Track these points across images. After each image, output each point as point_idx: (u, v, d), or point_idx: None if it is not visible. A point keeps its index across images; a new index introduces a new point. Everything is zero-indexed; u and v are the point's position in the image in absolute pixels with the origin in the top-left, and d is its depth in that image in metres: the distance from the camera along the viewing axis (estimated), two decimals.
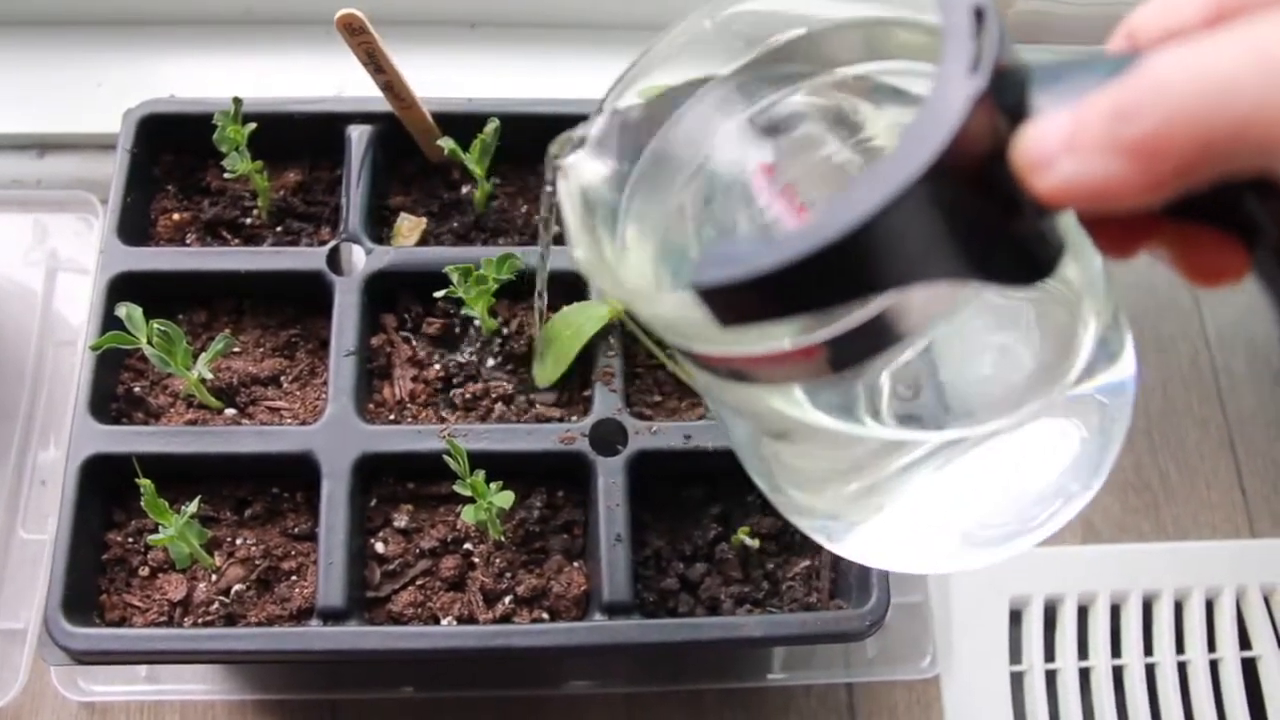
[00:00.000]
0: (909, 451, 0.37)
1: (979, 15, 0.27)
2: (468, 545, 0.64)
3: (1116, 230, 0.30)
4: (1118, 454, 0.39)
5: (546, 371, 0.66)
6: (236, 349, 0.68)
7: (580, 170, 0.39)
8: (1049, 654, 0.75)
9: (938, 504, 0.39)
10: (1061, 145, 0.26)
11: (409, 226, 0.71)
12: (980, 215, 0.28)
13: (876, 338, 0.30)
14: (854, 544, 0.42)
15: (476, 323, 0.68)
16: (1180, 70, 0.25)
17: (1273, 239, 0.28)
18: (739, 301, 0.28)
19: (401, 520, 0.64)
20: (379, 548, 0.63)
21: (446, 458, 0.59)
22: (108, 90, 0.85)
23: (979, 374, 0.37)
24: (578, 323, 0.66)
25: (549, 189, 0.44)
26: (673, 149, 0.39)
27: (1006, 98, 0.27)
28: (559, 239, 0.69)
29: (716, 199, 0.39)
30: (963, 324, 0.35)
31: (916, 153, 0.26)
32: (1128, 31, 0.30)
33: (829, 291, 0.27)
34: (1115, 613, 0.76)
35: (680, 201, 0.39)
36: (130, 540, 0.63)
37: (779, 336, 0.31)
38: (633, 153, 0.39)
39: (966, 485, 0.38)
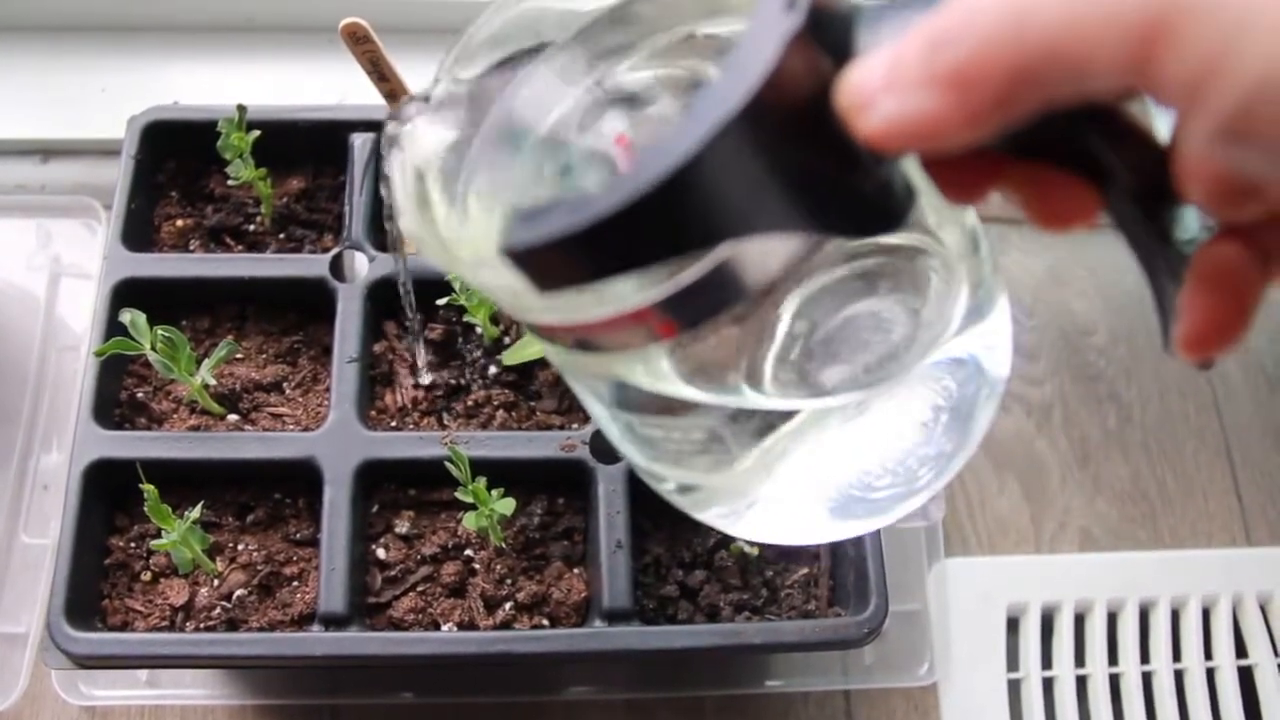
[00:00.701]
0: (789, 420, 0.36)
1: None
2: (469, 551, 0.64)
3: (957, 173, 0.28)
4: (994, 411, 0.38)
5: (516, 353, 0.66)
6: (239, 355, 0.68)
7: (418, 139, 0.37)
8: (1046, 662, 0.75)
9: (820, 471, 0.38)
10: (882, 83, 0.25)
11: None
12: (813, 163, 0.26)
13: (716, 295, 0.29)
14: (741, 522, 0.41)
15: (478, 330, 0.68)
16: None
17: (1124, 181, 0.27)
18: (553, 264, 0.27)
19: (403, 526, 0.64)
20: (380, 554, 0.63)
21: (448, 464, 0.59)
22: (111, 96, 0.85)
23: (855, 335, 0.36)
24: None
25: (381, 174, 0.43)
26: (517, 116, 0.38)
27: (830, 38, 0.26)
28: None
29: (573, 168, 0.38)
30: (832, 284, 0.34)
31: (727, 96, 0.24)
32: None
33: (648, 248, 0.26)
34: (1112, 621, 0.77)
35: (530, 169, 0.38)
36: (133, 545, 0.63)
37: (623, 298, 0.29)
38: (473, 121, 0.38)
39: (849, 450, 0.38)
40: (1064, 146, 0.27)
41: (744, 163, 0.25)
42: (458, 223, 0.37)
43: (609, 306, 0.30)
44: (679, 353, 0.34)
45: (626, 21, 0.37)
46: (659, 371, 0.34)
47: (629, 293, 0.29)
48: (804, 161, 0.26)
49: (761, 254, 0.28)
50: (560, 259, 0.26)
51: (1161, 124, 0.26)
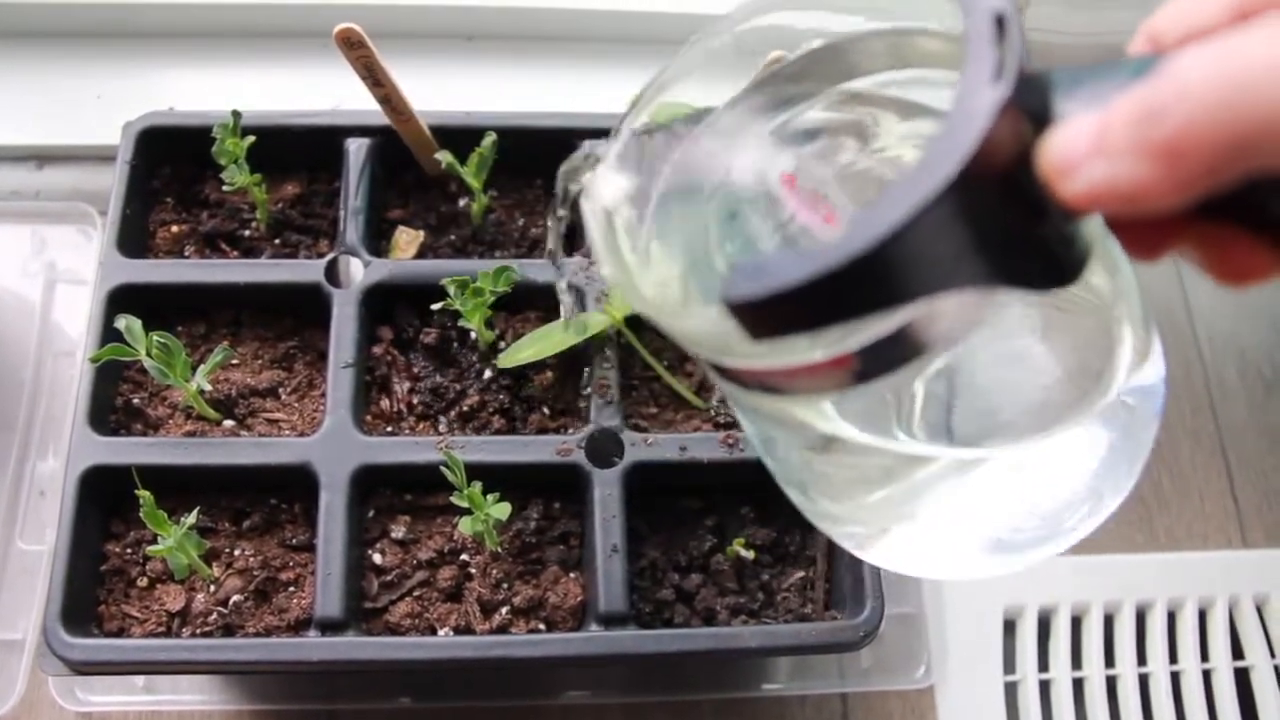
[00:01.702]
0: (939, 459, 0.37)
1: (1000, 22, 0.27)
2: (465, 556, 0.64)
3: (1144, 232, 0.30)
4: (1147, 457, 0.38)
5: (511, 356, 0.66)
6: (235, 361, 0.68)
7: (603, 187, 0.39)
8: (1043, 664, 0.75)
9: (967, 511, 0.39)
10: (1089, 149, 0.26)
11: (407, 239, 0.71)
12: (1006, 222, 0.28)
13: (905, 347, 0.30)
14: (883, 551, 0.42)
15: (473, 335, 0.68)
16: (1206, 68, 0.25)
17: None
18: (770, 315, 0.28)
19: (399, 531, 0.64)
20: (376, 559, 0.63)
21: (444, 469, 0.59)
22: (107, 102, 0.85)
23: (1011, 385, 0.37)
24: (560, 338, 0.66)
25: (561, 203, 0.44)
26: (696, 164, 0.39)
27: (1030, 103, 0.27)
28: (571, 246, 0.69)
29: (741, 212, 0.39)
30: (994, 333, 0.35)
31: (943, 162, 0.26)
32: (1149, 34, 0.30)
33: (860, 303, 0.28)
34: (1109, 623, 0.77)
35: (702, 215, 0.39)
36: (129, 551, 0.63)
37: (807, 349, 0.31)
38: (654, 169, 0.39)
39: (996, 491, 0.38)
40: (1247, 206, 0.28)
41: (950, 224, 0.27)
42: (641, 268, 0.38)
43: (799, 354, 0.31)
44: (842, 398, 0.35)
45: (807, 71, 0.38)
46: (821, 412, 0.36)
47: (810, 344, 0.31)
48: (1000, 220, 0.28)
49: (951, 308, 0.29)
50: (779, 311, 0.28)
51: None
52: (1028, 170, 0.27)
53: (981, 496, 0.38)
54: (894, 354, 0.31)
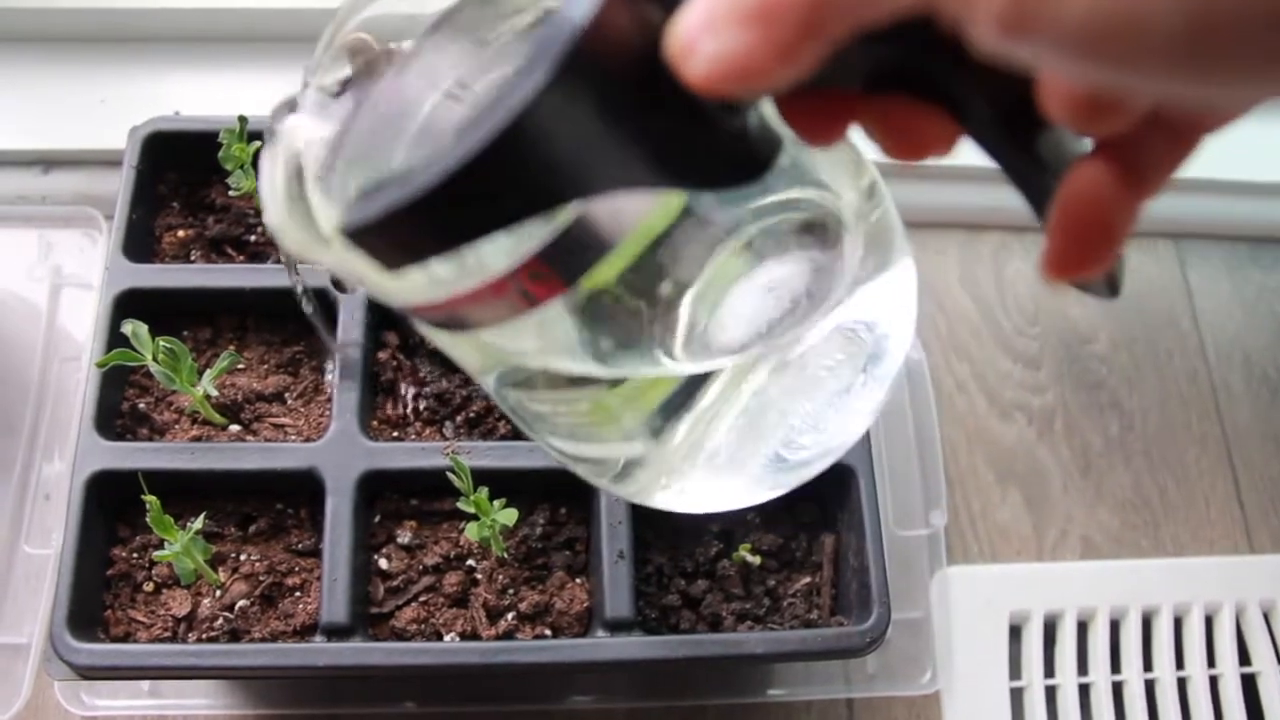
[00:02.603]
0: (706, 392, 0.36)
1: None
2: (471, 562, 0.64)
3: (808, 114, 0.28)
4: (900, 367, 0.39)
5: None
6: (241, 366, 0.68)
7: (297, 132, 0.36)
8: (1049, 670, 0.75)
9: (749, 438, 0.39)
10: (701, 25, 0.24)
11: None
12: (656, 117, 0.26)
13: (577, 256, 0.28)
14: (684, 496, 0.41)
15: None
16: None
17: (982, 108, 0.27)
18: (391, 241, 0.26)
19: (405, 537, 0.64)
20: (383, 564, 0.63)
21: (450, 475, 0.59)
22: (112, 107, 0.85)
23: (762, 293, 0.35)
24: None
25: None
26: (394, 103, 0.37)
27: None
28: None
29: None
30: (729, 248, 0.33)
31: (544, 55, 0.24)
32: None
33: (485, 215, 0.25)
34: (1115, 629, 0.77)
35: (407, 158, 0.37)
36: (135, 556, 0.63)
37: (488, 270, 0.29)
38: (353, 112, 0.37)
39: (770, 414, 0.38)
40: (913, 80, 0.27)
41: (576, 121, 0.25)
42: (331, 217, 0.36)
43: (471, 279, 0.29)
44: (591, 327, 0.33)
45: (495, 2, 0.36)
46: (566, 347, 0.34)
47: (496, 263, 0.29)
48: (646, 116, 0.26)
49: (617, 210, 0.28)
50: (396, 235, 0.26)
51: None
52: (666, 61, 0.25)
53: (755, 419, 0.38)
54: (564, 265, 0.28)
